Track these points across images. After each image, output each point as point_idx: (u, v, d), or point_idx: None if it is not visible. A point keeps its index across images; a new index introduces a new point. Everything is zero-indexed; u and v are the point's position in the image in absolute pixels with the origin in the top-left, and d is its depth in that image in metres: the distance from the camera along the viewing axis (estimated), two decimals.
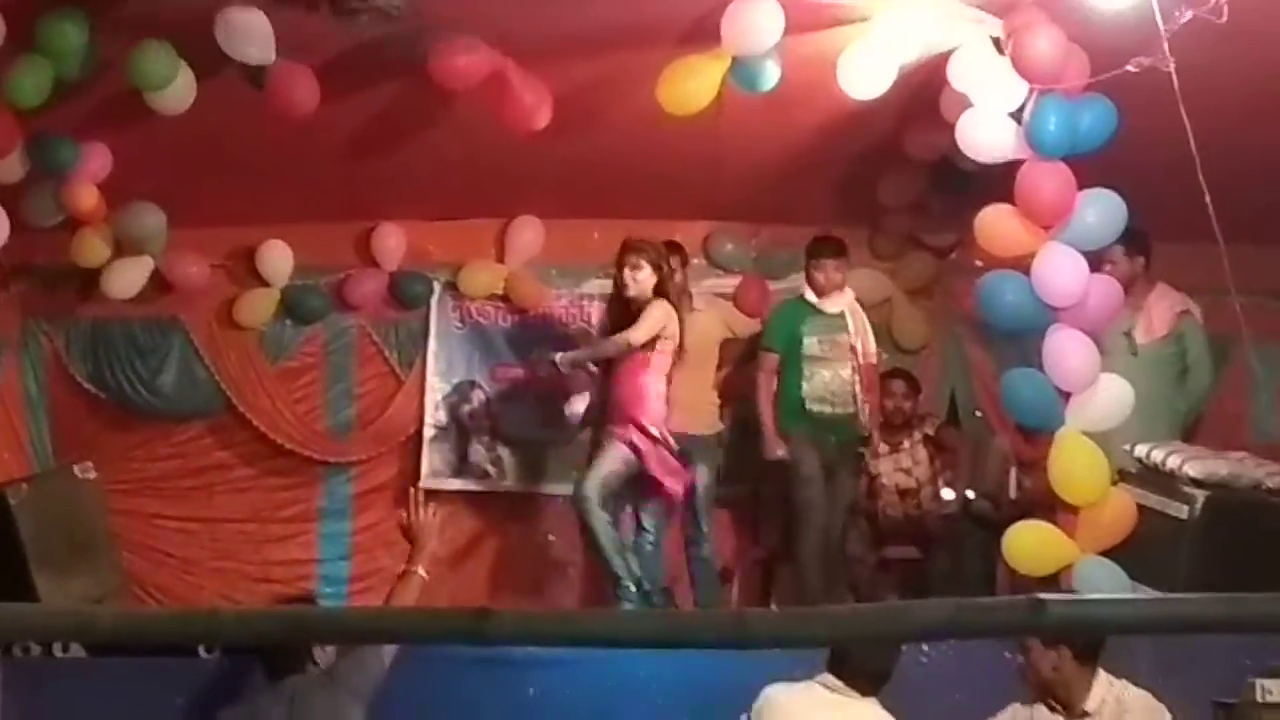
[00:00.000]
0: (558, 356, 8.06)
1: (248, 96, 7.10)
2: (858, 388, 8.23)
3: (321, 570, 9.18)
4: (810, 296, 8.29)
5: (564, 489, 8.89)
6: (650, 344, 7.77)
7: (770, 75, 7.06)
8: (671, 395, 8.08)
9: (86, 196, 7.83)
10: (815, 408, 8.22)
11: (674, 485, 7.86)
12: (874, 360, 8.39)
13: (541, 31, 7.00)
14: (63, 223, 8.09)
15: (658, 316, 7.76)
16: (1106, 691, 5.54)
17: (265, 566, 9.15)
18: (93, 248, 8.34)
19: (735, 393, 8.81)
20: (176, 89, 7.11)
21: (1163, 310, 7.99)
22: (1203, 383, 8.05)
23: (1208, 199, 5.88)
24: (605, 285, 8.72)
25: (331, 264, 9.18)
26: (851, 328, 8.26)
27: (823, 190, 8.69)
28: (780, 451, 8.25)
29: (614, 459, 7.73)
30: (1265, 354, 8.33)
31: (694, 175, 8.34)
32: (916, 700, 5.71)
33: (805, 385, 8.21)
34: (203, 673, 6.44)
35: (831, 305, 8.29)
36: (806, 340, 8.23)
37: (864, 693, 5.58)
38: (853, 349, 8.23)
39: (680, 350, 7.89)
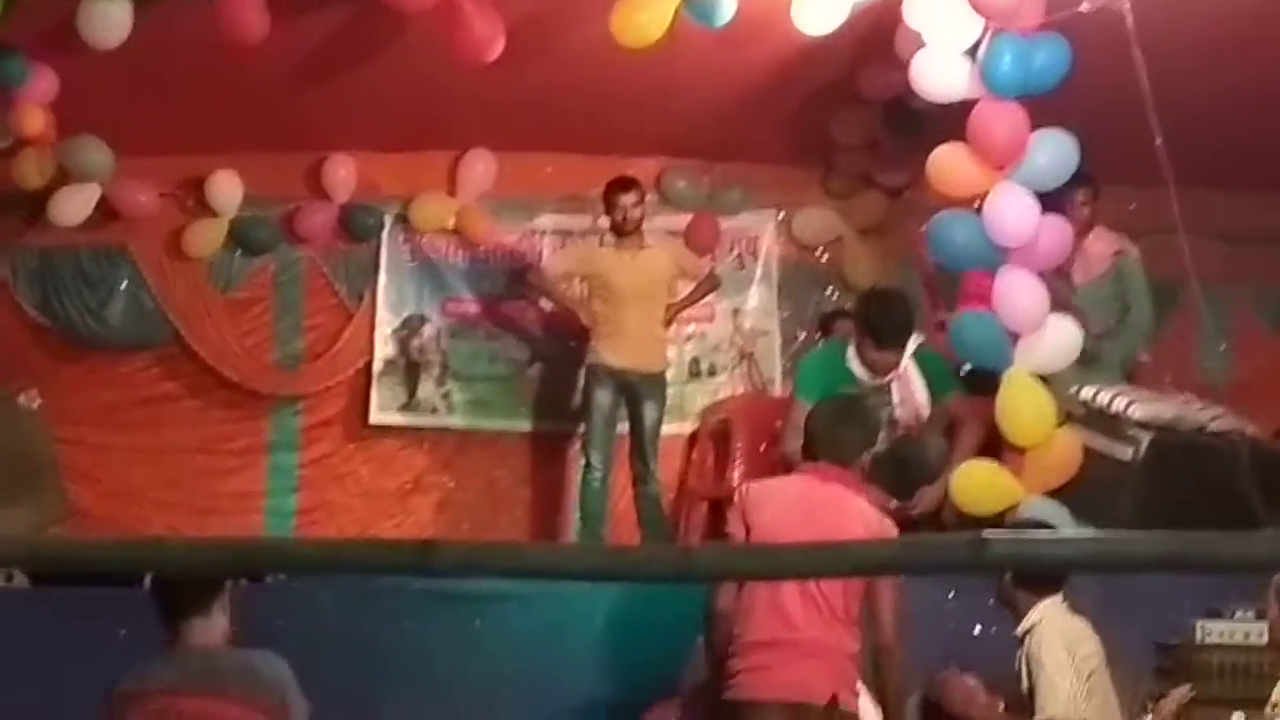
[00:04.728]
0: None
1: (197, 22, 7.01)
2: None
3: (269, 504, 9.14)
4: (854, 365, 7.25)
5: (512, 425, 8.91)
6: None
7: (725, 9, 7.03)
8: (622, 332, 8.11)
9: (34, 118, 7.73)
10: None
11: None
12: (923, 415, 7.37)
13: None
14: (8, 149, 7.99)
15: None
16: None
17: (213, 498, 9.08)
18: (36, 169, 8.20)
19: None
20: (110, 17, 6.99)
21: (1100, 250, 8.00)
22: (1143, 322, 8.05)
23: (1159, 141, 5.88)
24: (558, 220, 8.73)
25: (281, 195, 9.09)
26: (896, 398, 7.30)
27: (776, 127, 8.66)
28: None
29: None
30: (1213, 297, 8.36)
31: (647, 109, 8.30)
32: None
33: None
34: (147, 603, 6.42)
35: (875, 377, 7.25)
36: None
37: None
38: (893, 422, 7.29)
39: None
